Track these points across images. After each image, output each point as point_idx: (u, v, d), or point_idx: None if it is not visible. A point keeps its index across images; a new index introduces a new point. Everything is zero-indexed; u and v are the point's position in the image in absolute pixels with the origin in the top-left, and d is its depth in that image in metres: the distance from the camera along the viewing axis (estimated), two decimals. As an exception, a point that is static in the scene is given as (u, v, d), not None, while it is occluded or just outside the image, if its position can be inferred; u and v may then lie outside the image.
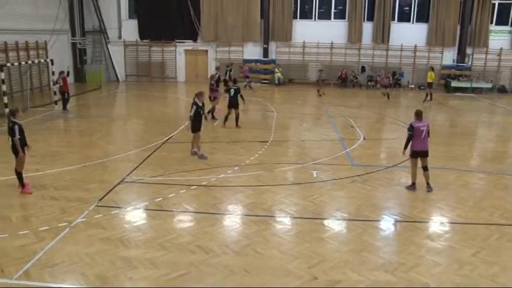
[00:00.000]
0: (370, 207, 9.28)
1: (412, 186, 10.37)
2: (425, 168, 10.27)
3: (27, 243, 7.32)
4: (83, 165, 11.70)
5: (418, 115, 10.25)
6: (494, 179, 11.45)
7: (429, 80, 24.78)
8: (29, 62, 21.33)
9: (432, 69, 25.27)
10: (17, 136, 9.43)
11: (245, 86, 26.52)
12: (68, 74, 19.65)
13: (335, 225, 8.50)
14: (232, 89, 16.06)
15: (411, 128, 10.11)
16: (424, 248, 7.52)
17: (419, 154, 10.18)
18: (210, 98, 17.27)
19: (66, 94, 19.12)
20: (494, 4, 29.31)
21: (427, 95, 24.42)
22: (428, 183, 10.32)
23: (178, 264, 6.81)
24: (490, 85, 29.22)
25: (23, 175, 9.73)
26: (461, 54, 29.77)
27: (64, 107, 19.14)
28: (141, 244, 7.45)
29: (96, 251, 7.15)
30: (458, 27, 29.58)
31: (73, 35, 29.34)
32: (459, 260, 7.10)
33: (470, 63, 29.84)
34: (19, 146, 9.48)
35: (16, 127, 9.44)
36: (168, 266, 6.77)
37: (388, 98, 24.66)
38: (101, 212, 8.68)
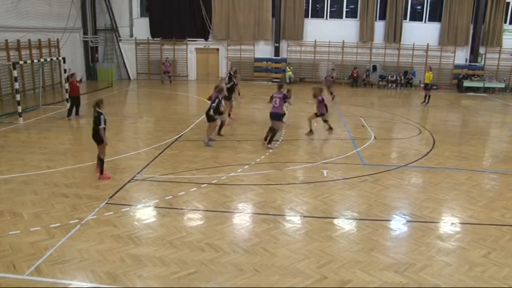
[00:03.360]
0: (381, 207, 9.24)
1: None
2: (271, 129, 13.46)
3: (39, 240, 7.39)
4: (93, 162, 11.75)
5: (279, 87, 13.67)
6: (506, 180, 11.32)
7: (427, 81, 23.41)
8: (42, 60, 21.51)
9: (430, 69, 24.22)
10: (102, 125, 10.14)
11: (163, 81, 30.05)
12: (68, 78, 18.26)
13: (345, 224, 8.46)
14: None
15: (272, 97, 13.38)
16: (435, 248, 7.46)
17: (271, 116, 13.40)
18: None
19: (70, 99, 17.75)
20: (508, 3, 28.96)
21: (425, 96, 23.26)
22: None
23: (188, 263, 6.82)
24: (502, 85, 28.93)
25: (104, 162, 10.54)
26: (474, 54, 29.52)
27: (68, 114, 17.49)
28: (151, 242, 7.48)
29: (107, 248, 7.19)
30: (472, 27, 29.32)
31: (85, 33, 29.62)
32: (470, 261, 7.04)
33: (483, 62, 29.56)
34: (103, 135, 10.19)
35: (102, 117, 10.16)
36: (178, 264, 6.79)
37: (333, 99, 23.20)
38: (112, 209, 8.73)
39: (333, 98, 23.27)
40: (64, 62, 20.42)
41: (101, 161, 10.45)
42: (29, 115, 17.41)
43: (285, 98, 13.43)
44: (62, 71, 20.84)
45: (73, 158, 12.21)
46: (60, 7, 25.95)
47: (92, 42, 30.15)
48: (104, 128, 10.21)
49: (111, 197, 9.35)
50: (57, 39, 25.65)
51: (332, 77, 25.83)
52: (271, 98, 13.54)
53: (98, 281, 6.28)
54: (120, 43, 31.05)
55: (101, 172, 10.48)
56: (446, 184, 10.74)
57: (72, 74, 17.96)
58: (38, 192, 9.58)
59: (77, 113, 17.70)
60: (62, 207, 8.79)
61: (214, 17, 30.62)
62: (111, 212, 8.58)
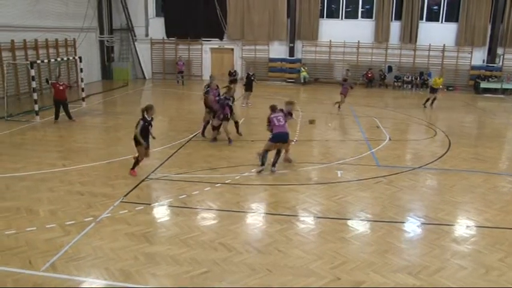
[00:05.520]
0: (395, 209, 9.17)
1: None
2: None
3: (54, 237, 7.47)
4: (108, 161, 11.88)
5: (272, 109, 11.44)
6: (523, 183, 11.17)
7: (434, 86, 22.33)
8: (58, 59, 21.74)
9: (441, 75, 23.40)
10: (137, 129, 10.45)
11: (178, 81, 29.51)
12: (47, 80, 17.54)
13: (359, 225, 8.41)
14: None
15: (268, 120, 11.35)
16: (450, 251, 7.38)
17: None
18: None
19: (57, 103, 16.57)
20: (527, 3, 28.53)
21: (427, 99, 22.38)
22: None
23: (201, 262, 6.84)
24: (521, 86, 28.53)
25: (139, 164, 10.87)
26: (492, 55, 29.06)
27: (56, 118, 16.58)
28: (165, 240, 7.52)
29: (121, 246, 7.25)
30: (489, 27, 28.87)
31: (101, 32, 29.86)
32: (486, 265, 6.94)
33: (500, 63, 29.14)
34: (139, 138, 10.46)
35: (141, 122, 10.48)
36: (191, 263, 6.81)
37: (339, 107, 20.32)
38: (126, 207, 8.79)
39: (338, 105, 20.46)
40: (80, 61, 20.61)
41: (135, 160, 10.81)
42: (45, 113, 17.60)
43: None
44: (79, 70, 21.02)
45: (88, 157, 12.31)
46: (77, 7, 26.22)
47: (107, 41, 30.40)
48: (140, 132, 10.46)
49: (125, 196, 9.42)
50: (74, 39, 25.92)
51: (352, 87, 21.10)
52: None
53: (112, 279, 6.33)
54: (135, 43, 31.24)
55: (133, 168, 10.82)
56: (461, 186, 10.62)
57: (58, 77, 17.30)
58: (53, 189, 9.69)
59: (69, 117, 16.83)
60: (77, 204, 8.88)
61: (229, 17, 30.66)
62: (126, 211, 8.65)
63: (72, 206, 8.80)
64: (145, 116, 10.59)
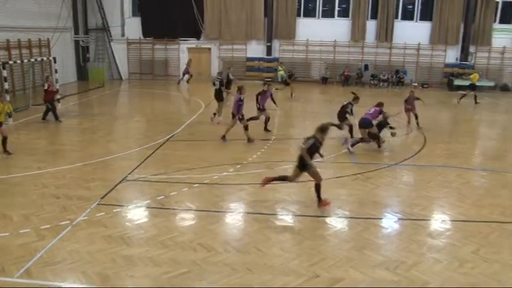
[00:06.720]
0: (372, 205, 9.27)
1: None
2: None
3: (29, 242, 7.33)
4: (84, 163, 11.72)
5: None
6: (495, 177, 11.41)
7: (474, 80, 24.20)
8: (32, 59, 21.37)
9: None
10: (306, 146, 8.88)
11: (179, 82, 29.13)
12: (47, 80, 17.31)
13: (337, 223, 8.48)
14: None
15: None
16: (425, 245, 7.51)
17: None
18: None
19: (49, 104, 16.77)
20: (497, 2, 29.17)
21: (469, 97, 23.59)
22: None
23: (180, 262, 6.81)
24: (492, 83, 29.12)
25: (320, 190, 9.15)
26: (465, 53, 29.69)
27: (56, 118, 16.91)
28: (143, 242, 7.46)
29: (98, 249, 7.16)
30: (462, 26, 29.47)
31: (76, 32, 29.41)
32: (460, 258, 7.08)
33: (473, 61, 29.75)
34: (307, 158, 8.91)
35: (312, 141, 8.92)
36: (170, 264, 6.77)
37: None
38: (103, 210, 8.69)
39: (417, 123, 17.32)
40: (55, 62, 20.31)
41: (317, 187, 9.16)
42: (18, 116, 17.27)
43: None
44: (53, 71, 20.70)
45: (63, 159, 12.14)
46: (51, 6, 25.75)
47: (83, 41, 29.99)
48: (308, 150, 8.92)
49: (102, 198, 9.31)
50: (48, 39, 25.47)
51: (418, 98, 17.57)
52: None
53: (89, 282, 6.25)
54: (111, 43, 30.87)
55: (319, 198, 9.13)
56: (437, 182, 10.80)
57: (47, 77, 17.17)
58: (27, 193, 9.51)
59: (44, 118, 16.90)
60: (52, 208, 8.73)
61: (206, 16, 30.56)
62: (103, 213, 8.54)
63: (47, 210, 8.65)
64: (318, 136, 9.08)
